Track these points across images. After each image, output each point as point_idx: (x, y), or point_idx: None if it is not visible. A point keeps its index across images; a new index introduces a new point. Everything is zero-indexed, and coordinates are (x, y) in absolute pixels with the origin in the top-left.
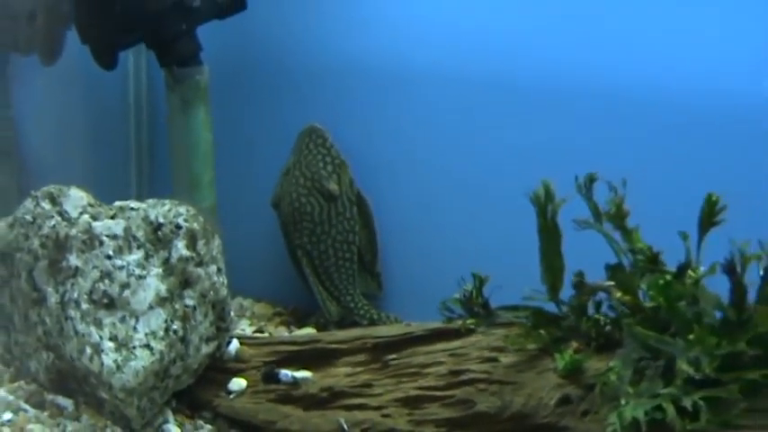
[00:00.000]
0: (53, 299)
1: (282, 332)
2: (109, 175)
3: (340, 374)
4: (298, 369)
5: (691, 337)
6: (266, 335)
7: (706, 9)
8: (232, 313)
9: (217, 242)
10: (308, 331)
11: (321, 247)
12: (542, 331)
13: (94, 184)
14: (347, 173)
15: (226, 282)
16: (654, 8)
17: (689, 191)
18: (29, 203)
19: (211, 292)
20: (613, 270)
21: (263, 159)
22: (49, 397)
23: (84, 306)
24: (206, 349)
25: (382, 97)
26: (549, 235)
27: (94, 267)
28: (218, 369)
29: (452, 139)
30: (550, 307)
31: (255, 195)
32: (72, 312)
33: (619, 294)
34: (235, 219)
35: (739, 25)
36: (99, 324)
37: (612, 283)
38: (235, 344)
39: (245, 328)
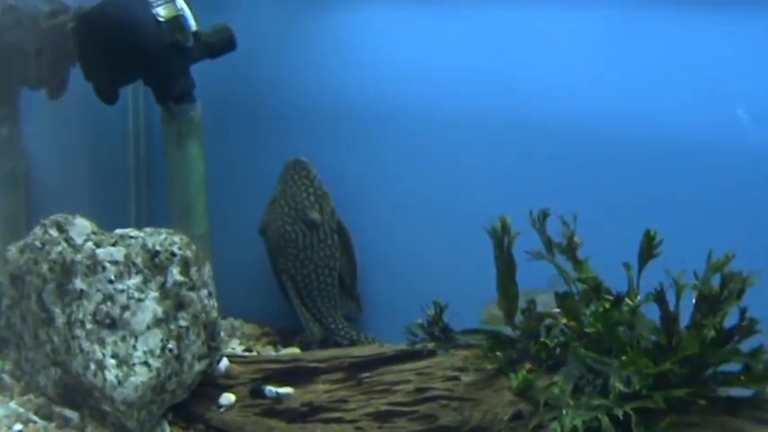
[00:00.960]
0: (60, 319)
1: (269, 351)
2: (110, 201)
3: (319, 391)
4: (281, 385)
5: (624, 358)
6: (254, 353)
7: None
8: (222, 333)
9: (208, 268)
10: (293, 350)
11: (305, 271)
12: (499, 353)
13: (96, 211)
14: (329, 203)
15: (216, 304)
16: (621, 48)
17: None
18: (38, 230)
19: (203, 314)
20: (561, 298)
21: (251, 189)
22: (57, 409)
23: (89, 326)
24: (198, 366)
25: (362, 133)
26: (505, 264)
27: (98, 290)
28: (210, 385)
29: (427, 172)
30: (507, 331)
31: (245, 223)
32: (78, 332)
33: (565, 320)
34: (226, 245)
35: (696, 59)
36: (102, 343)
37: (558, 310)
38: (225, 362)
39: (236, 346)
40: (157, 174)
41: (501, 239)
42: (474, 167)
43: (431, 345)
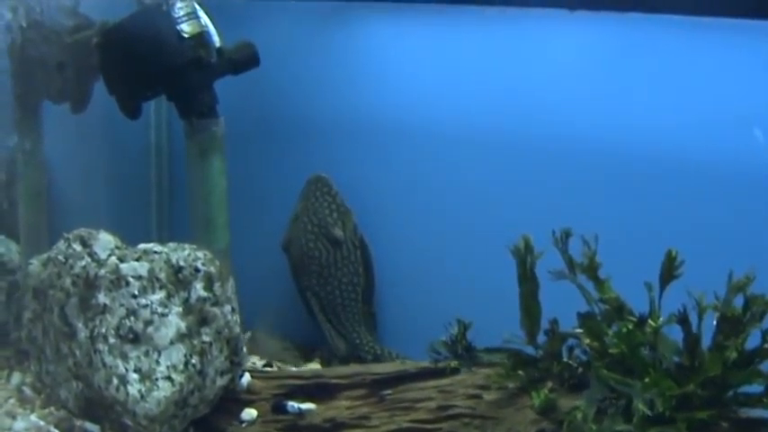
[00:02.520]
0: (83, 333)
1: (290, 366)
2: (131, 215)
3: (341, 407)
4: (303, 401)
5: (647, 380)
6: (275, 369)
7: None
8: (244, 349)
9: (231, 284)
10: (314, 366)
11: (328, 288)
12: (521, 372)
13: (118, 225)
14: (351, 219)
15: (238, 320)
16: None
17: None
18: (61, 245)
19: (226, 330)
20: (584, 318)
21: (273, 205)
22: (78, 423)
23: (112, 340)
24: (221, 382)
25: (384, 149)
26: (528, 284)
27: (121, 305)
28: (232, 400)
29: (447, 187)
30: (529, 349)
31: (266, 238)
32: (101, 346)
33: (587, 341)
34: (246, 260)
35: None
36: (125, 357)
37: (581, 330)
38: (246, 377)
39: (256, 361)
40: (179, 188)
41: (524, 258)
42: (494, 184)
43: (454, 363)
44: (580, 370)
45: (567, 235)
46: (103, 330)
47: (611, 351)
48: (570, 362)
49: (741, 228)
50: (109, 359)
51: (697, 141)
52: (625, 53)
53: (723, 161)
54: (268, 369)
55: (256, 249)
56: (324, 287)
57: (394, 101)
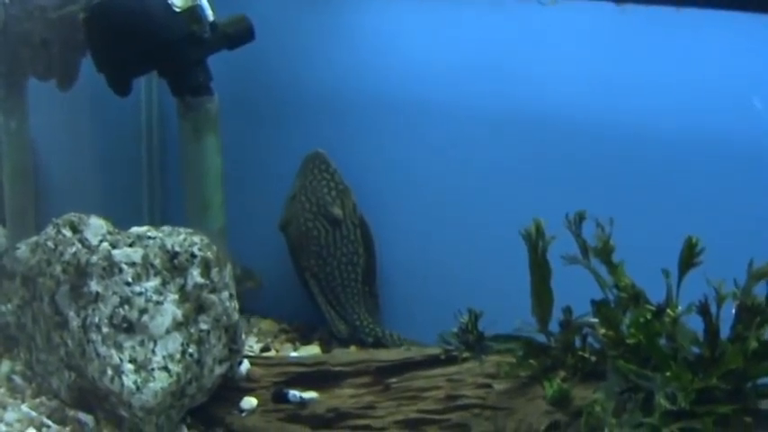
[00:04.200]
0: (75, 323)
1: (288, 348)
2: (122, 198)
3: (345, 396)
4: (305, 390)
5: (668, 373)
6: (272, 352)
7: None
8: (243, 336)
9: (228, 269)
10: (313, 348)
11: (327, 269)
12: (532, 360)
13: (108, 207)
14: (350, 198)
15: (237, 306)
16: (648, 47)
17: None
18: (50, 230)
19: (224, 317)
20: (599, 306)
21: (269, 184)
22: (71, 413)
23: (105, 330)
24: (219, 370)
25: (384, 125)
26: (539, 270)
27: (114, 293)
28: (231, 388)
29: (450, 166)
30: (540, 337)
31: (262, 218)
32: (94, 336)
33: (603, 330)
34: (243, 240)
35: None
36: (119, 347)
37: (597, 320)
38: (246, 364)
39: (253, 344)
40: (172, 169)
41: (535, 243)
42: (501, 164)
43: (464, 354)
44: (593, 359)
45: (580, 218)
46: (96, 320)
47: (628, 341)
48: (584, 354)
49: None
50: (102, 349)
51: (710, 119)
52: (648, 32)
53: (741, 140)
54: (267, 355)
55: (253, 230)
56: (323, 268)
57: (394, 75)
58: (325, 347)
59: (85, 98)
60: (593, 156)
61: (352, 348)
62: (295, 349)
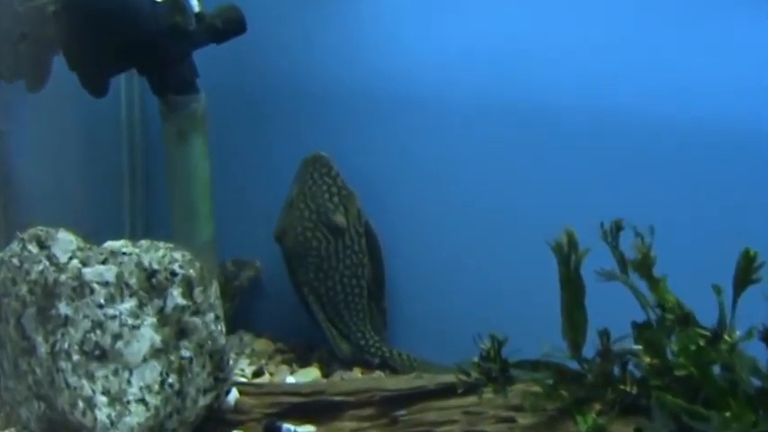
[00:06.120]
0: (43, 349)
1: (284, 371)
2: (100, 208)
3: (346, 430)
4: (301, 422)
5: (728, 413)
6: (266, 376)
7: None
8: (231, 362)
9: (214, 288)
10: (311, 371)
11: (329, 283)
12: (563, 391)
13: (85, 218)
14: (354, 204)
15: (224, 329)
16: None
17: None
18: (15, 246)
19: (209, 342)
20: (640, 329)
21: (263, 190)
22: None
23: (76, 357)
24: (203, 401)
25: (390, 124)
26: (572, 287)
27: (85, 317)
28: (217, 421)
29: (466, 168)
30: (572, 364)
31: (255, 228)
32: (63, 364)
33: (648, 359)
34: (233, 253)
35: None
36: (91, 377)
37: (640, 346)
38: (234, 394)
39: (245, 367)
40: (156, 175)
41: (567, 256)
42: (527, 166)
43: (488, 388)
44: (634, 390)
45: (618, 227)
46: (66, 346)
47: (678, 374)
48: (626, 387)
49: None
50: (73, 379)
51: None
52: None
53: None
54: (259, 381)
55: (245, 241)
56: (324, 282)
57: (404, 68)
58: (326, 369)
59: (59, 98)
60: (634, 153)
61: (356, 371)
62: (292, 372)
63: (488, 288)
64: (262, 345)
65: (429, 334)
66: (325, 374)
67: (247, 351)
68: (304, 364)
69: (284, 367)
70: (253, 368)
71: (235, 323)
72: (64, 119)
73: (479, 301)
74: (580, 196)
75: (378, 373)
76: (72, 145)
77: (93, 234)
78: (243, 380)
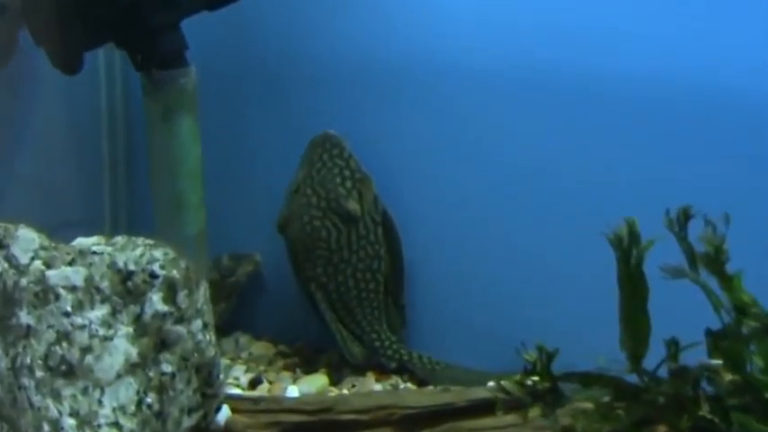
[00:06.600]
0: (3, 363)
1: (285, 379)
2: (76, 198)
3: None
4: None
5: None
6: (265, 385)
7: None
8: (221, 375)
9: (203, 291)
10: (318, 378)
11: (339, 278)
12: (620, 411)
13: (59, 210)
14: (370, 189)
15: (213, 339)
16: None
17: None
18: None
19: (195, 354)
20: (715, 338)
21: (264, 174)
22: None
23: (39, 374)
24: (188, 422)
25: (406, 101)
26: (633, 287)
27: (50, 327)
28: None
29: (491, 147)
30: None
31: (254, 218)
32: (26, 381)
33: (729, 377)
34: (228, 247)
35: None
36: (57, 396)
37: (720, 361)
38: (225, 412)
39: (240, 375)
40: (140, 161)
41: (627, 251)
42: (561, 143)
43: (534, 411)
44: (707, 409)
45: (686, 215)
46: (28, 360)
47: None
48: (699, 409)
49: None
50: (37, 399)
51: None
52: None
53: None
54: (255, 394)
55: (243, 233)
56: (333, 277)
57: (424, 35)
58: (335, 376)
59: (30, 76)
60: (698, 128)
61: (369, 377)
62: (295, 380)
63: (522, 283)
64: (261, 348)
65: (453, 334)
66: (334, 382)
67: (244, 356)
68: (309, 369)
69: (286, 374)
70: (249, 376)
71: (231, 324)
72: (34, 99)
73: (511, 298)
74: (633, 180)
75: (395, 380)
76: (46, 128)
77: (66, 231)
78: (237, 392)
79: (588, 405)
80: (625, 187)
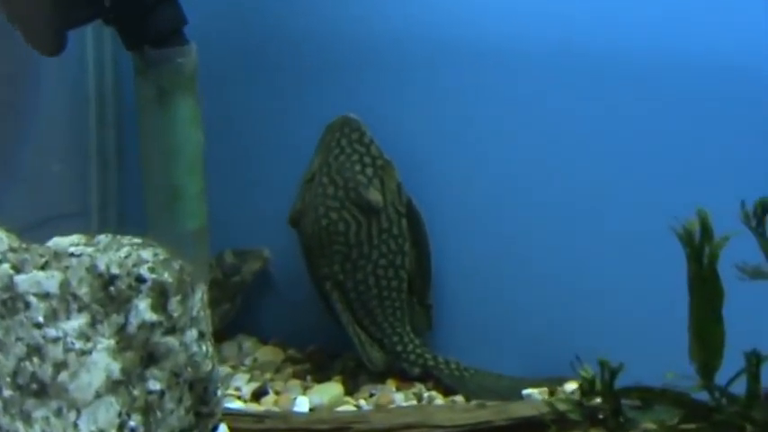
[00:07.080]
0: None
1: (295, 389)
2: (62, 190)
3: None
4: None
5: None
6: (271, 396)
7: None
8: (219, 391)
9: (200, 295)
10: (332, 387)
11: (358, 275)
12: None
13: (42, 203)
14: (393, 176)
15: (210, 350)
16: None
17: None
18: None
19: (188, 369)
20: None
21: (275, 162)
22: None
23: (7, 393)
24: None
25: (439, 80)
26: (706, 290)
27: (18, 339)
28: None
29: (532, 132)
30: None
31: (262, 210)
32: None
33: None
34: (236, 241)
35: None
36: (27, 418)
37: None
38: (223, 431)
39: (242, 385)
40: (131, 149)
41: (699, 249)
42: (605, 127)
43: None
44: None
45: (764, 208)
46: None
47: None
48: None
49: None
50: (4, 421)
51: None
52: None
53: None
54: (257, 410)
55: (250, 226)
56: (352, 275)
57: (451, 10)
58: (350, 384)
59: (12, 57)
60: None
61: (390, 385)
62: (305, 389)
63: (559, 281)
64: (267, 353)
65: (484, 337)
66: (349, 390)
67: (248, 362)
68: (322, 377)
69: (295, 383)
70: (253, 386)
71: (235, 327)
72: (14, 85)
73: (548, 297)
74: (687, 170)
75: (418, 388)
76: (27, 114)
77: (50, 224)
78: (238, 406)
79: (652, 427)
80: (672, 179)
